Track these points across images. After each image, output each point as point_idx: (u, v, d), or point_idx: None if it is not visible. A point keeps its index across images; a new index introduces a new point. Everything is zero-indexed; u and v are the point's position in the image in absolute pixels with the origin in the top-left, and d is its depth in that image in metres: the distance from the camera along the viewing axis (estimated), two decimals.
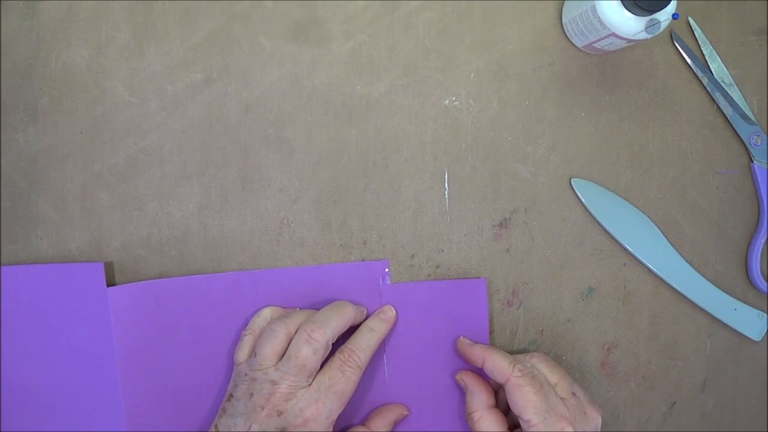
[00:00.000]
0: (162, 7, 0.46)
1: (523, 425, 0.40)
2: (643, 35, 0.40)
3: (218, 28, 0.46)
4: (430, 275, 0.47)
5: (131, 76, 0.46)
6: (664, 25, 0.39)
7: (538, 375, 0.41)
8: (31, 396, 0.44)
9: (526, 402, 0.39)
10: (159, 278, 0.45)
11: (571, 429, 0.39)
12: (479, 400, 0.43)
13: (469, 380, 0.44)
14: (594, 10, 0.41)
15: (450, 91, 0.47)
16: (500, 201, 0.47)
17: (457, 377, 0.45)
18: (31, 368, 0.44)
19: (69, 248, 0.46)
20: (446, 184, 0.47)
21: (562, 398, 0.41)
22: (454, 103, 0.47)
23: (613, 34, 0.41)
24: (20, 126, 0.45)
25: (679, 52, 0.48)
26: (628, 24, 0.40)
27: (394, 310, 0.45)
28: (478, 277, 0.46)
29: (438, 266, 0.47)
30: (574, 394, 0.41)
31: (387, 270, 0.46)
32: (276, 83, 0.46)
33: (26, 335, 0.44)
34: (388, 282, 0.46)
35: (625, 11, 0.39)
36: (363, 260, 0.46)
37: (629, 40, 0.41)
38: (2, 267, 0.44)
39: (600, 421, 0.41)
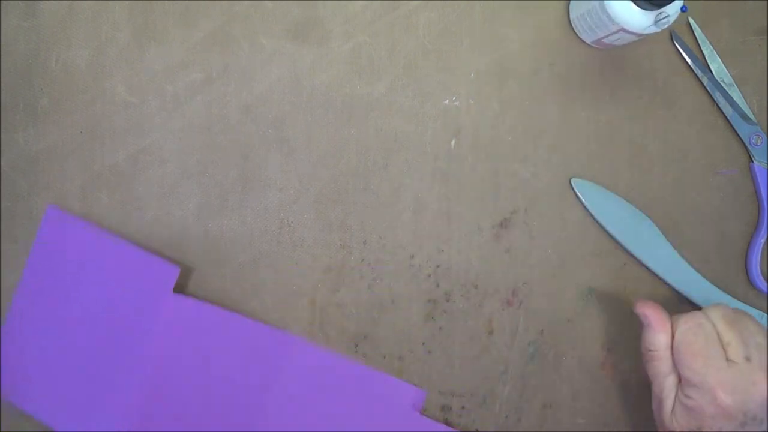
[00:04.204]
0: (162, 7, 0.42)
1: (683, 383, 0.35)
2: (653, 29, 0.36)
3: (218, 28, 0.42)
4: (430, 275, 0.43)
5: (131, 76, 0.42)
6: (673, 18, 0.35)
7: (709, 330, 0.35)
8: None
9: (683, 358, 0.34)
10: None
11: (728, 399, 0.33)
12: (658, 339, 0.37)
13: (651, 313, 0.38)
14: (603, 5, 0.37)
15: (450, 91, 0.43)
16: (500, 201, 0.44)
17: (638, 309, 0.38)
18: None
19: None
20: (446, 184, 0.43)
21: (731, 361, 0.34)
22: (454, 103, 0.43)
23: (623, 29, 0.37)
24: (20, 126, 0.42)
25: (679, 52, 0.44)
26: (638, 18, 0.36)
27: None
28: None
29: (438, 266, 0.43)
30: (748, 359, 0.34)
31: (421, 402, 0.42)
32: (276, 83, 0.43)
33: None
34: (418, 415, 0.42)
35: (634, 6, 0.36)
36: (399, 376, 0.43)
37: (639, 35, 0.37)
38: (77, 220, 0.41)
39: None
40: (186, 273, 0.42)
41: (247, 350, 0.41)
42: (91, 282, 0.41)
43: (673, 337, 0.37)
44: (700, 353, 0.34)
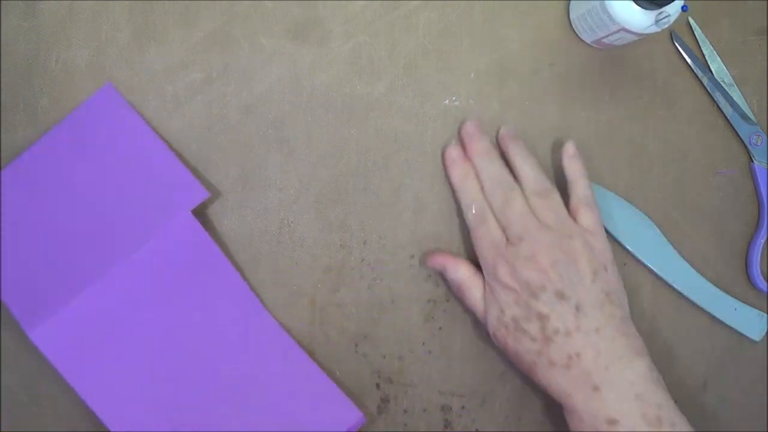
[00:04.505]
0: (162, 7, 0.42)
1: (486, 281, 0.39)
2: (654, 29, 0.36)
3: (218, 28, 0.42)
4: (430, 275, 0.43)
5: (131, 76, 0.42)
6: (673, 18, 0.35)
7: (492, 225, 0.39)
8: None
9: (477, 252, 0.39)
10: None
11: (505, 275, 0.38)
12: (461, 272, 0.40)
13: (439, 258, 0.41)
14: (603, 5, 0.37)
15: (450, 91, 0.43)
16: None
17: (428, 263, 0.42)
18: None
19: None
20: (446, 184, 0.43)
21: (509, 243, 0.38)
22: (454, 103, 0.43)
23: (623, 29, 0.37)
24: (20, 126, 0.42)
25: (679, 52, 0.44)
26: (638, 18, 0.36)
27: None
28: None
29: None
30: (542, 195, 0.40)
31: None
32: (276, 83, 0.42)
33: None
34: None
35: (635, 6, 0.36)
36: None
37: (639, 35, 0.37)
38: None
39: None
40: None
41: (218, 297, 0.41)
42: (113, 166, 0.40)
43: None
44: (485, 244, 0.39)
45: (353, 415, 0.41)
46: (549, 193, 0.39)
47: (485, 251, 0.39)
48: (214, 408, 0.40)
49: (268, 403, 0.40)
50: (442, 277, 0.42)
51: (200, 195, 0.40)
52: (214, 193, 0.42)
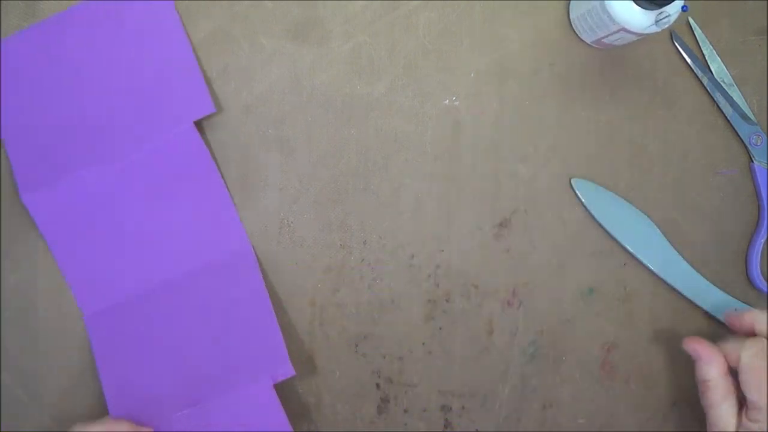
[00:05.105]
0: None
1: (750, 407, 0.36)
2: (654, 29, 0.36)
3: (218, 28, 0.42)
4: (430, 275, 0.43)
5: None
6: (674, 18, 0.35)
7: None
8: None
9: (750, 381, 0.35)
10: None
11: None
12: (710, 370, 0.38)
13: (699, 347, 0.39)
14: (603, 5, 0.37)
15: (450, 91, 0.43)
16: (500, 201, 0.43)
17: (686, 345, 0.39)
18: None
19: None
20: (446, 184, 0.43)
21: None
22: (454, 103, 0.43)
23: (623, 29, 0.37)
24: None
25: (679, 52, 0.44)
26: (638, 18, 0.36)
27: None
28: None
29: (438, 266, 0.43)
30: None
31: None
32: (276, 83, 0.42)
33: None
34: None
35: (635, 6, 0.35)
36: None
37: (639, 35, 0.37)
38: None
39: None
40: None
41: (205, 212, 0.41)
42: (135, 55, 0.41)
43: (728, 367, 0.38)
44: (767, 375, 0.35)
45: (285, 369, 0.40)
46: None
47: None
48: (170, 302, 0.41)
49: (212, 318, 0.41)
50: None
51: (208, 109, 0.40)
52: None
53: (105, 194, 0.41)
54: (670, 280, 0.44)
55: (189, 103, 0.40)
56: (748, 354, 0.36)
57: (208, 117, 0.42)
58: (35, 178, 0.40)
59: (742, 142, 0.44)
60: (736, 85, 0.44)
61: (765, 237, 0.44)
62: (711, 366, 0.38)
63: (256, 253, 0.42)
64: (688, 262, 0.44)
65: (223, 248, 0.42)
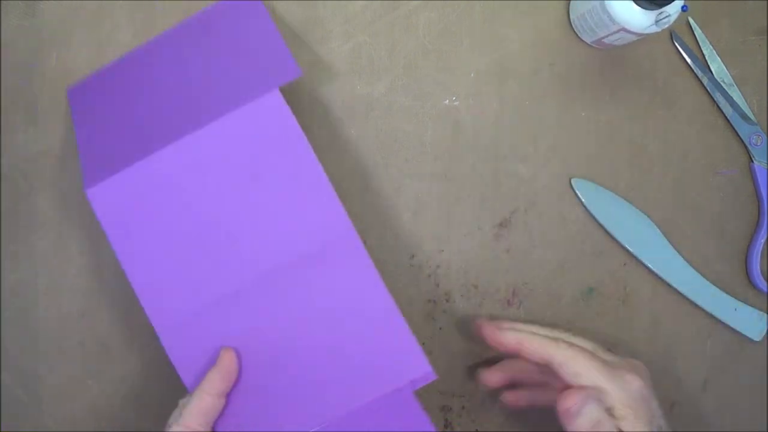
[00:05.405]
0: (162, 7, 0.42)
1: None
2: (654, 29, 0.36)
3: None
4: (430, 275, 0.43)
5: None
6: (674, 18, 0.35)
7: (580, 343, 0.37)
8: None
9: (586, 368, 0.35)
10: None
11: (640, 380, 0.35)
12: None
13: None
14: (603, 5, 0.37)
15: (450, 91, 0.43)
16: (500, 201, 0.43)
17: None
18: None
19: (69, 248, 0.41)
20: (446, 184, 0.43)
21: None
22: (454, 103, 0.43)
23: (623, 29, 0.37)
24: (20, 126, 0.42)
25: (679, 52, 0.44)
26: (638, 18, 0.36)
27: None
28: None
29: (438, 266, 0.43)
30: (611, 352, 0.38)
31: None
32: None
33: None
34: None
35: (635, 6, 0.35)
36: None
37: (639, 35, 0.37)
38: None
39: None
40: None
41: (295, 188, 0.35)
42: (219, 45, 0.39)
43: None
44: (593, 357, 0.36)
45: (424, 371, 0.35)
46: None
47: None
48: (267, 303, 0.35)
49: (324, 318, 0.35)
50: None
51: (295, 73, 0.36)
52: None
53: (177, 176, 0.35)
54: (670, 280, 0.44)
55: (274, 70, 0.36)
56: (561, 348, 0.36)
57: None
58: (101, 169, 0.35)
59: (742, 142, 0.44)
60: (736, 85, 0.44)
61: (765, 237, 0.44)
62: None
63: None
64: (688, 262, 0.44)
65: (325, 233, 0.35)
